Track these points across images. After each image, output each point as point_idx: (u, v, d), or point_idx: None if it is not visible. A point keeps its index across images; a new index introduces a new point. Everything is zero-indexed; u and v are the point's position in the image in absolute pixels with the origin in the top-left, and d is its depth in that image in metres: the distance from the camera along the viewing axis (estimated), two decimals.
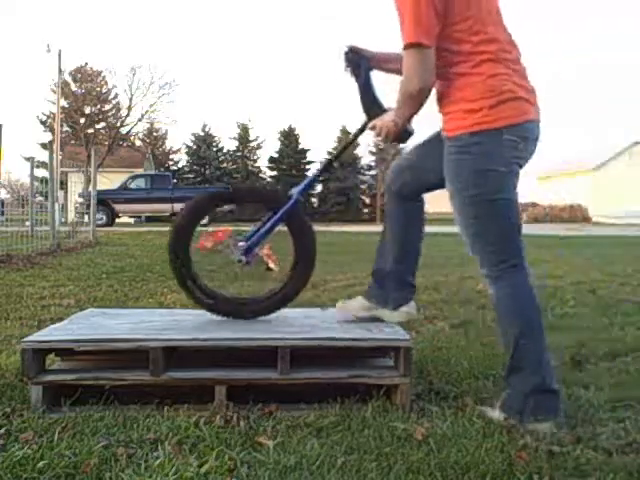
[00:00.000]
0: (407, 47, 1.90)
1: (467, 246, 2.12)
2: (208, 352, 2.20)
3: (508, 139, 1.93)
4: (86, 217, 12.89)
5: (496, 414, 1.97)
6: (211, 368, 2.09)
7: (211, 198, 2.50)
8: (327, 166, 2.66)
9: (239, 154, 45.29)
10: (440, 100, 2.05)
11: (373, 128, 2.17)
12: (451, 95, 1.99)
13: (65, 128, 35.51)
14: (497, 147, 1.93)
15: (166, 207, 23.55)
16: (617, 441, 1.79)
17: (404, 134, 2.16)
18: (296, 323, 2.37)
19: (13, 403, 2.05)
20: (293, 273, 2.42)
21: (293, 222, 2.41)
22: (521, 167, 2.03)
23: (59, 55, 29.84)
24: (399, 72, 1.99)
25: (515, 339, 1.99)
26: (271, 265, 2.53)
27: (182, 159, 45.71)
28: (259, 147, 45.75)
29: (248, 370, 2.10)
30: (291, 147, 44.91)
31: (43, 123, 38.66)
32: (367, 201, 48.26)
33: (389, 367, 2.19)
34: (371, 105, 2.23)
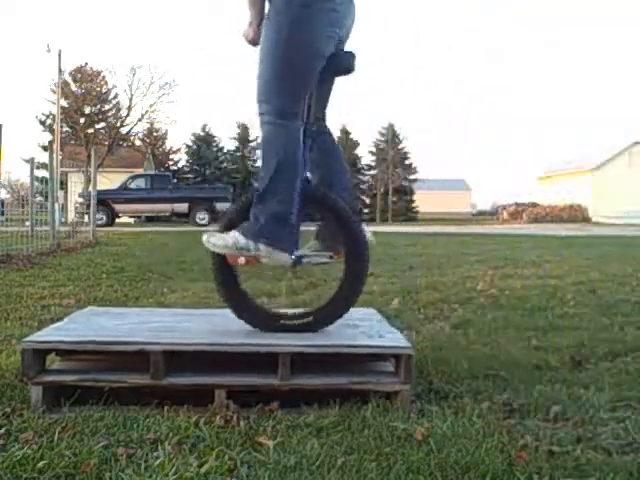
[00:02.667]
0: None
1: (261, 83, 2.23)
2: (209, 355, 2.19)
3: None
4: (86, 217, 12.90)
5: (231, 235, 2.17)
6: (211, 373, 2.08)
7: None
8: None
9: (239, 154, 45.30)
10: None
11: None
12: None
13: (65, 128, 35.53)
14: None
15: (166, 207, 23.56)
16: (617, 441, 1.79)
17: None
18: None
19: (13, 403, 2.05)
20: (347, 275, 2.28)
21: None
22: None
23: (59, 55, 29.87)
24: None
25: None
26: None
27: (182, 159, 45.77)
28: (259, 147, 45.73)
29: (249, 375, 2.09)
30: None
31: (43, 123, 38.68)
32: (367, 201, 48.25)
33: (389, 373, 2.17)
34: None
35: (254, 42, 2.33)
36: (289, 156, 2.19)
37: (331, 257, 2.34)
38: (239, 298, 2.30)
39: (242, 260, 2.23)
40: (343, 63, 2.31)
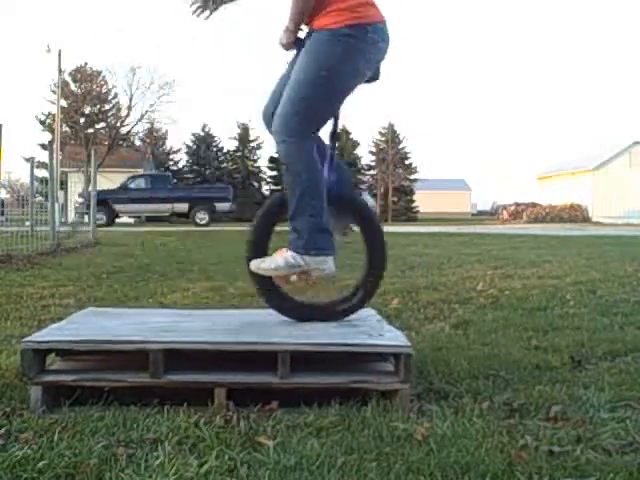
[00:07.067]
0: None
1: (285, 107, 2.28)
2: (209, 354, 2.19)
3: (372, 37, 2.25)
4: (86, 217, 12.90)
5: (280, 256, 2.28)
6: (211, 371, 2.09)
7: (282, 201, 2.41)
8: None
9: (239, 154, 45.30)
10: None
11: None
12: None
13: (65, 128, 35.50)
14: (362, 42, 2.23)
15: (166, 207, 23.57)
16: (617, 441, 1.79)
17: (297, 41, 2.34)
18: (297, 326, 2.36)
19: (13, 403, 2.05)
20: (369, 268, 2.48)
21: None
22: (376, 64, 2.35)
23: (59, 55, 29.87)
24: None
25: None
26: None
27: (182, 159, 45.75)
28: (259, 147, 45.73)
29: (248, 374, 2.09)
30: None
31: (43, 123, 38.68)
32: None
33: (389, 372, 2.17)
34: None
35: (287, 48, 2.37)
36: (312, 173, 2.28)
37: (345, 233, 2.53)
38: (284, 302, 2.43)
39: (294, 278, 2.37)
40: (373, 74, 2.39)
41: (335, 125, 2.39)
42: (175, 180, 31.62)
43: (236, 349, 2.10)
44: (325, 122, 2.34)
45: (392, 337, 2.21)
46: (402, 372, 2.06)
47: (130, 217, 25.43)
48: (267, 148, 43.88)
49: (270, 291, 2.42)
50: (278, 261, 2.31)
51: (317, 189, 2.29)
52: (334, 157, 2.39)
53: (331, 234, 2.36)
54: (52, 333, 2.22)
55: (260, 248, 2.38)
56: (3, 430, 1.81)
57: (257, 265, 2.34)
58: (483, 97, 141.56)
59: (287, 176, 2.32)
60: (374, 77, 2.41)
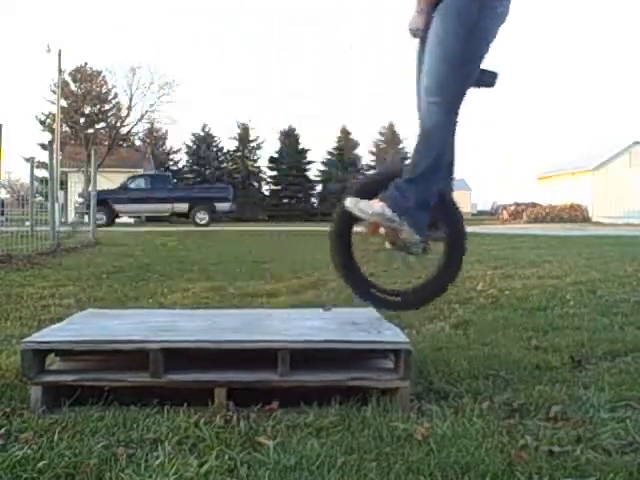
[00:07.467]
0: None
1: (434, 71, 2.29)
2: (209, 354, 2.20)
3: None
4: (86, 217, 12.90)
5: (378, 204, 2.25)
6: (211, 370, 2.09)
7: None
8: None
9: (239, 154, 45.29)
10: None
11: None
12: None
13: (65, 128, 35.50)
14: None
15: (166, 207, 23.57)
16: (617, 441, 1.79)
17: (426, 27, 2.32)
18: (297, 325, 2.37)
19: (13, 403, 2.05)
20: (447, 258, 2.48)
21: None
22: None
23: (59, 55, 29.87)
24: None
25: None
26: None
27: (182, 159, 45.73)
28: (259, 147, 45.75)
29: (248, 372, 2.09)
30: (291, 147, 44.90)
31: (42, 123, 38.68)
32: None
33: (389, 370, 2.18)
34: None
35: (421, 33, 2.35)
36: (445, 151, 2.32)
37: (425, 249, 2.49)
38: (358, 278, 2.46)
39: (382, 230, 2.35)
40: (488, 79, 2.41)
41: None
42: (175, 180, 31.60)
43: (236, 348, 2.11)
44: (468, 86, 2.32)
45: (391, 334, 2.22)
46: (402, 369, 2.06)
47: (130, 217, 25.43)
48: (267, 148, 43.90)
49: (350, 269, 2.44)
50: (376, 207, 2.28)
51: (440, 169, 2.30)
52: (453, 163, 2.45)
53: (428, 219, 2.35)
54: (52, 333, 2.22)
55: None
56: (3, 430, 1.81)
57: (355, 203, 2.31)
58: (483, 97, 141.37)
59: (421, 143, 2.30)
60: (491, 84, 2.41)
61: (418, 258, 2.45)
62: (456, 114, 2.33)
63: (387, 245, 2.42)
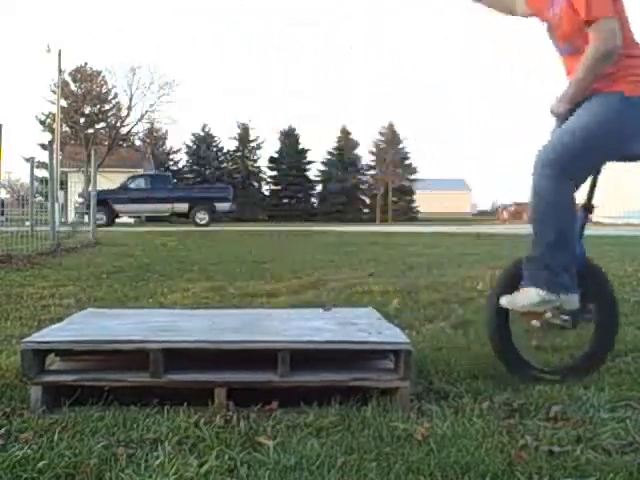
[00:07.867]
0: (606, 18, 2.21)
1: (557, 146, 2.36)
2: (209, 354, 2.20)
3: None
4: (86, 217, 12.91)
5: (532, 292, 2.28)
6: (211, 370, 2.09)
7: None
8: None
9: (239, 154, 45.33)
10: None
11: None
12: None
13: (65, 128, 35.51)
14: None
15: (166, 207, 23.57)
16: (617, 441, 1.79)
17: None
18: (297, 325, 2.37)
19: (13, 403, 2.05)
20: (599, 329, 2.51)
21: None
22: None
23: (59, 55, 29.88)
24: None
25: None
26: None
27: (182, 159, 45.78)
28: (259, 147, 45.81)
29: (248, 373, 2.09)
30: (291, 147, 44.92)
31: (42, 123, 38.70)
32: (367, 201, 48.19)
33: (389, 370, 2.18)
34: None
35: (562, 118, 2.42)
36: (568, 218, 2.41)
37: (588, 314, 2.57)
38: (513, 354, 2.46)
39: (548, 314, 2.44)
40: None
41: (591, 192, 2.55)
42: (175, 180, 31.62)
43: (236, 348, 2.11)
44: (585, 177, 2.47)
45: (392, 335, 2.22)
46: (402, 369, 2.06)
47: (130, 217, 25.43)
48: (267, 148, 43.89)
49: (512, 354, 2.45)
50: (532, 296, 2.31)
51: (569, 236, 2.36)
52: (584, 226, 2.51)
53: (574, 273, 2.36)
54: (52, 333, 2.22)
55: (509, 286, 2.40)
56: (3, 430, 1.81)
57: (510, 300, 2.35)
58: (483, 97, 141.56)
59: (539, 213, 2.35)
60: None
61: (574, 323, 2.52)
62: (573, 193, 2.45)
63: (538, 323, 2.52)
